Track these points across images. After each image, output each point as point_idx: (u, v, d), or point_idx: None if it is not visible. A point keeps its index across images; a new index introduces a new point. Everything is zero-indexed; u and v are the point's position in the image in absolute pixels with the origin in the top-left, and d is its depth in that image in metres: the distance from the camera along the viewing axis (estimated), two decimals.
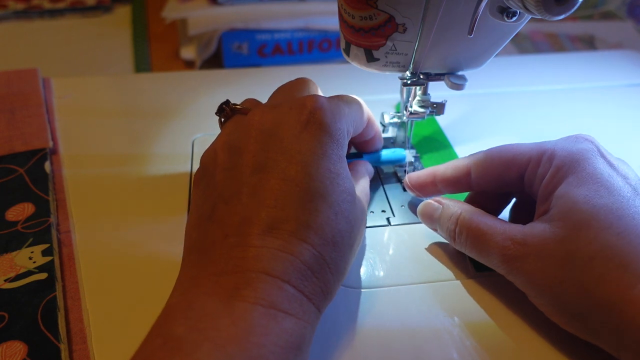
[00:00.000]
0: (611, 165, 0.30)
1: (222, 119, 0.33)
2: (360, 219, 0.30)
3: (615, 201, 0.28)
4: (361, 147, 0.40)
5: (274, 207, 0.27)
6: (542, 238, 0.29)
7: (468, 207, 0.33)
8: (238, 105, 0.33)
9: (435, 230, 0.36)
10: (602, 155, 0.31)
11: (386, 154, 0.40)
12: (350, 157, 0.39)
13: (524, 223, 0.31)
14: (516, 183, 0.33)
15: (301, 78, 0.35)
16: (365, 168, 0.38)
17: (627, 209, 0.28)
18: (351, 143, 0.40)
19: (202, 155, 0.32)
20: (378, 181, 0.42)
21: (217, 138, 0.32)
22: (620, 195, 0.28)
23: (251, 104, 0.34)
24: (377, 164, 0.41)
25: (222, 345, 0.22)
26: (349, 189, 0.29)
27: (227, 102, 0.33)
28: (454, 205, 0.34)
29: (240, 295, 0.24)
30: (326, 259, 0.27)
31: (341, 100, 0.32)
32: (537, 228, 0.30)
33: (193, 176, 0.33)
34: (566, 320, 0.29)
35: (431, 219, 0.35)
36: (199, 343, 0.22)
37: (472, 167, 0.34)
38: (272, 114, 0.30)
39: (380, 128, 0.39)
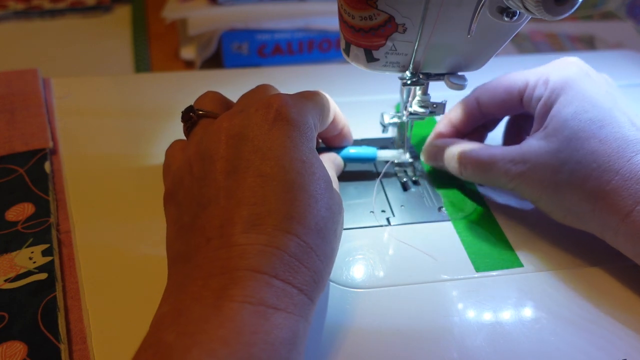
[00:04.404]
0: (595, 83, 0.35)
1: (188, 126, 0.33)
2: (338, 205, 0.30)
3: (598, 113, 0.34)
4: (329, 143, 0.40)
5: (253, 204, 0.27)
6: (539, 153, 0.35)
7: (465, 144, 0.39)
8: (202, 110, 0.33)
9: (442, 167, 0.41)
10: (588, 75, 0.36)
11: (355, 150, 0.40)
12: (318, 151, 0.39)
13: (515, 137, 0.37)
14: (517, 106, 0.39)
15: (262, 84, 0.35)
16: (329, 158, 0.38)
17: (608, 119, 0.33)
18: (319, 138, 0.40)
19: (171, 169, 0.32)
20: (378, 181, 0.42)
21: (186, 147, 0.32)
22: (602, 108, 0.34)
23: (213, 99, 0.34)
24: (346, 161, 0.40)
25: (212, 348, 0.22)
26: (324, 177, 0.29)
27: (191, 107, 0.33)
28: (453, 146, 0.40)
29: (228, 295, 0.24)
30: (312, 246, 0.27)
31: (304, 96, 0.33)
32: (533, 145, 0.35)
33: (163, 196, 0.31)
34: (563, 215, 0.35)
35: (436, 160, 0.41)
36: (189, 348, 0.22)
37: (479, 97, 0.40)
38: (239, 117, 0.30)
39: (348, 123, 0.39)
